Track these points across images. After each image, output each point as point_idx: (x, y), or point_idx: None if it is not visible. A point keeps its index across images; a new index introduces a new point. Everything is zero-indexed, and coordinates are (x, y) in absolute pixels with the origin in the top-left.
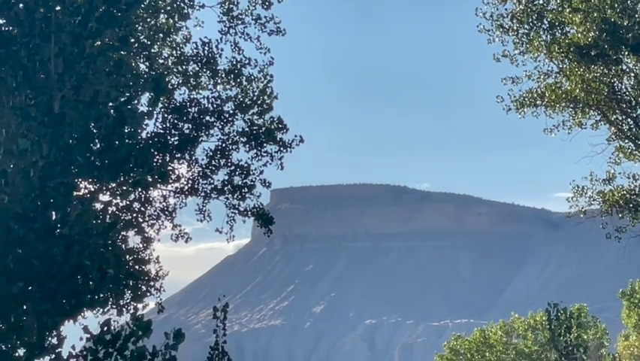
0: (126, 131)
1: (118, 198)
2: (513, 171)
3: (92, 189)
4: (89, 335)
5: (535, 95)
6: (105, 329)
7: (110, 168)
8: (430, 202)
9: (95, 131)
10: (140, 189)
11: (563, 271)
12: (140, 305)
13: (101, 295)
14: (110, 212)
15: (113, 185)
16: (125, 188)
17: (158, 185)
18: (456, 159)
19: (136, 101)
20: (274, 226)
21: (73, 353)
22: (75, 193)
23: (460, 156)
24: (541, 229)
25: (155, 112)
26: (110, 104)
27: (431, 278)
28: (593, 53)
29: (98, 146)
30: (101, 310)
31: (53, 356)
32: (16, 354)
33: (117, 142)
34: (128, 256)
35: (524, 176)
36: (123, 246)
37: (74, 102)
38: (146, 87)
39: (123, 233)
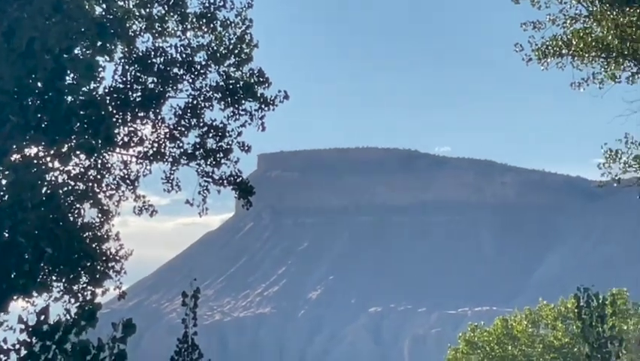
0: (67, 84)
1: (59, 163)
2: (543, 132)
3: (28, 154)
4: (23, 326)
5: (561, 43)
6: (42, 318)
7: (48, 129)
8: (446, 169)
9: (30, 85)
10: (86, 154)
11: (603, 249)
12: (98, 290)
13: (39, 279)
14: (55, 181)
15: (55, 148)
16: (65, 152)
17: (109, 149)
18: (476, 119)
19: (90, 51)
20: (263, 198)
21: (5, 347)
22: (6, 158)
23: (481, 116)
24: (577, 199)
25: (100, 62)
26: (48, 54)
27: (447, 258)
28: None
29: (34, 102)
30: (51, 296)
31: None
32: None
33: (56, 98)
34: (83, 233)
35: (556, 138)
36: (79, 221)
37: (6, 51)
38: (89, 33)
39: (78, 205)
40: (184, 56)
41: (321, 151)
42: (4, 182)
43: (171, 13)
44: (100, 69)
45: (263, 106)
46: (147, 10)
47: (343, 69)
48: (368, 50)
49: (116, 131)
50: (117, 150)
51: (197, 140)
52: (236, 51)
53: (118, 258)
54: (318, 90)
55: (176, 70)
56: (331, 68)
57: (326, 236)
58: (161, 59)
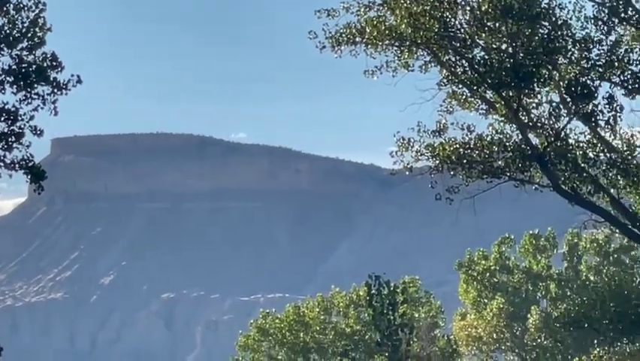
0: None
1: None
2: (337, 120)
3: None
4: None
5: (354, 31)
6: None
7: None
8: (239, 156)
9: None
10: None
11: (395, 237)
12: None
13: None
14: None
15: None
16: None
17: None
18: (271, 106)
19: None
20: (56, 182)
21: None
22: None
23: (276, 103)
24: (370, 187)
25: None
26: None
27: (241, 245)
28: None
29: None
30: None
31: None
32: None
33: None
34: None
35: (350, 126)
36: None
37: None
38: None
39: None
40: None
41: (115, 136)
42: None
43: None
44: None
45: (55, 90)
46: None
47: (138, 55)
48: (164, 35)
49: None
50: None
51: None
52: (29, 35)
53: None
54: (113, 75)
55: None
56: (126, 53)
57: (119, 222)
58: None
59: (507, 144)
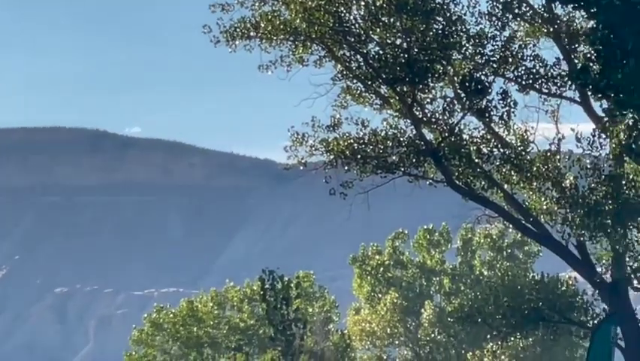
0: None
1: None
2: (231, 114)
3: None
4: None
5: (249, 26)
6: None
7: None
8: (134, 150)
9: None
10: None
11: (290, 232)
12: None
13: None
14: None
15: None
16: None
17: None
18: (166, 100)
19: None
20: None
21: None
22: None
23: (171, 97)
24: (265, 182)
25: None
26: None
27: (135, 239)
28: None
29: None
30: None
31: None
32: None
33: None
34: None
35: (244, 121)
36: None
37: None
38: None
39: None
40: None
41: (6, 130)
42: None
43: None
44: None
45: None
46: None
47: (29, 46)
48: (56, 26)
49: None
50: None
51: None
52: None
53: None
54: (3, 68)
55: None
56: (16, 44)
57: (12, 215)
58: None
59: (401, 139)
